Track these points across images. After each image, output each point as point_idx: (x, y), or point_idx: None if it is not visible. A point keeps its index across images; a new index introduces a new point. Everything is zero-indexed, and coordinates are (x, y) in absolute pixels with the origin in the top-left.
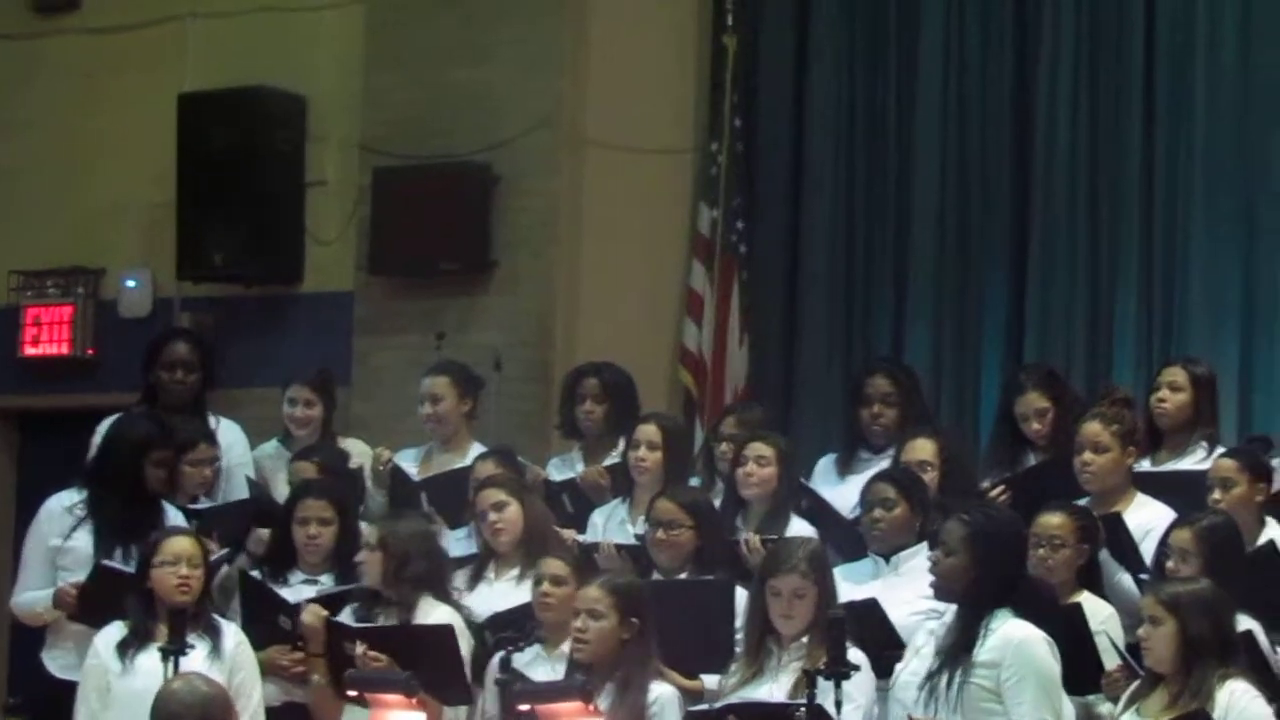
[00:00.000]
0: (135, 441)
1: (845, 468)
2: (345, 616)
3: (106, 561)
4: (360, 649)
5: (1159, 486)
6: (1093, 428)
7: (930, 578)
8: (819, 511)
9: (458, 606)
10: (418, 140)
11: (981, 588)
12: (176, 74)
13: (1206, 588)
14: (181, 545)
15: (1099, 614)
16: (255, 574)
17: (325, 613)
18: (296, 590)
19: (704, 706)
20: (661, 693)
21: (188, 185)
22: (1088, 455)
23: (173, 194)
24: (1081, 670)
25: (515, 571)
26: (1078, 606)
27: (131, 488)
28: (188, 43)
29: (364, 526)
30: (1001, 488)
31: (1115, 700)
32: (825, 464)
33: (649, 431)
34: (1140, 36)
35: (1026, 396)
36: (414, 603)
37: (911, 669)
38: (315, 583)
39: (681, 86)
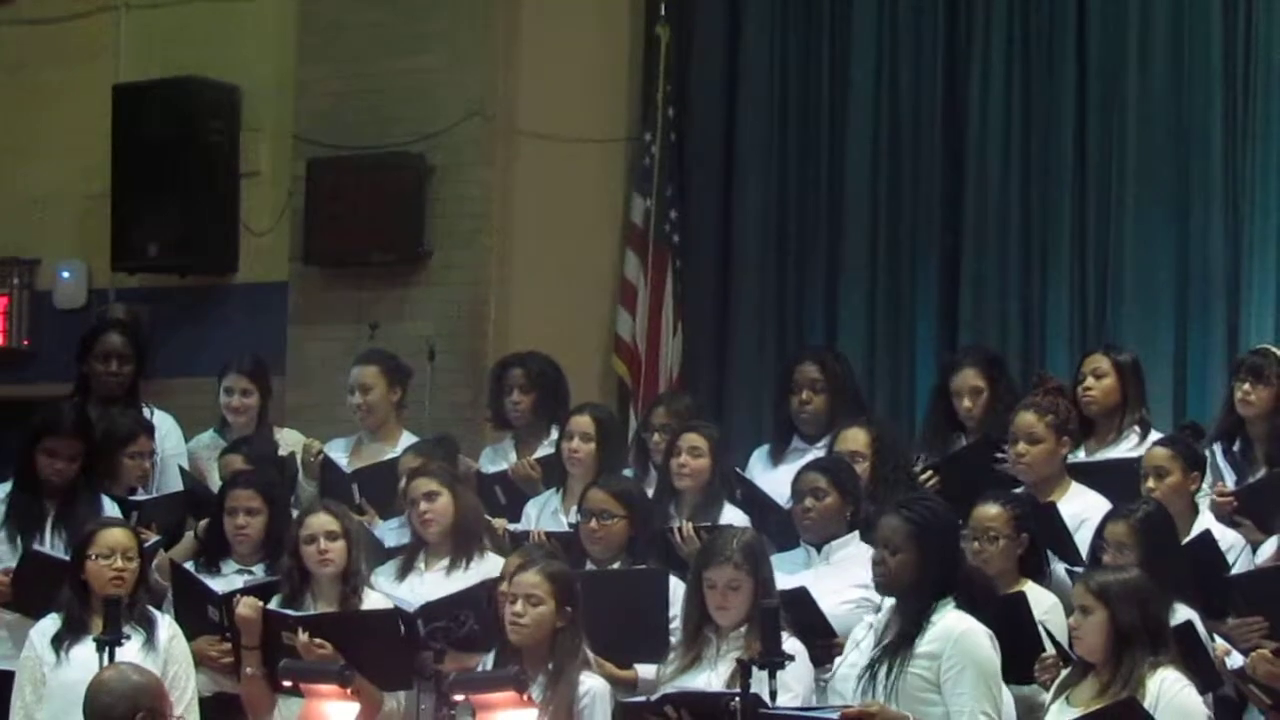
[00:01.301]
0: (30, 430)
1: (778, 457)
2: (272, 606)
3: (37, 548)
4: (304, 637)
5: (1093, 475)
6: (1027, 418)
7: (861, 566)
8: (753, 500)
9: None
10: (351, 131)
11: (925, 580)
12: (110, 65)
13: (1136, 577)
14: (116, 537)
15: (1042, 604)
16: (187, 565)
17: (261, 604)
18: (229, 580)
19: (641, 698)
20: (592, 685)
21: (122, 176)
22: (1022, 446)
23: (107, 185)
24: (1025, 660)
25: (445, 562)
26: (1022, 596)
27: (20, 475)
28: (121, 34)
29: (321, 516)
30: (930, 472)
31: (1048, 687)
32: (760, 454)
33: (582, 422)
34: (1072, 25)
35: (963, 373)
36: (361, 589)
37: (850, 661)
38: (249, 573)
39: (614, 76)
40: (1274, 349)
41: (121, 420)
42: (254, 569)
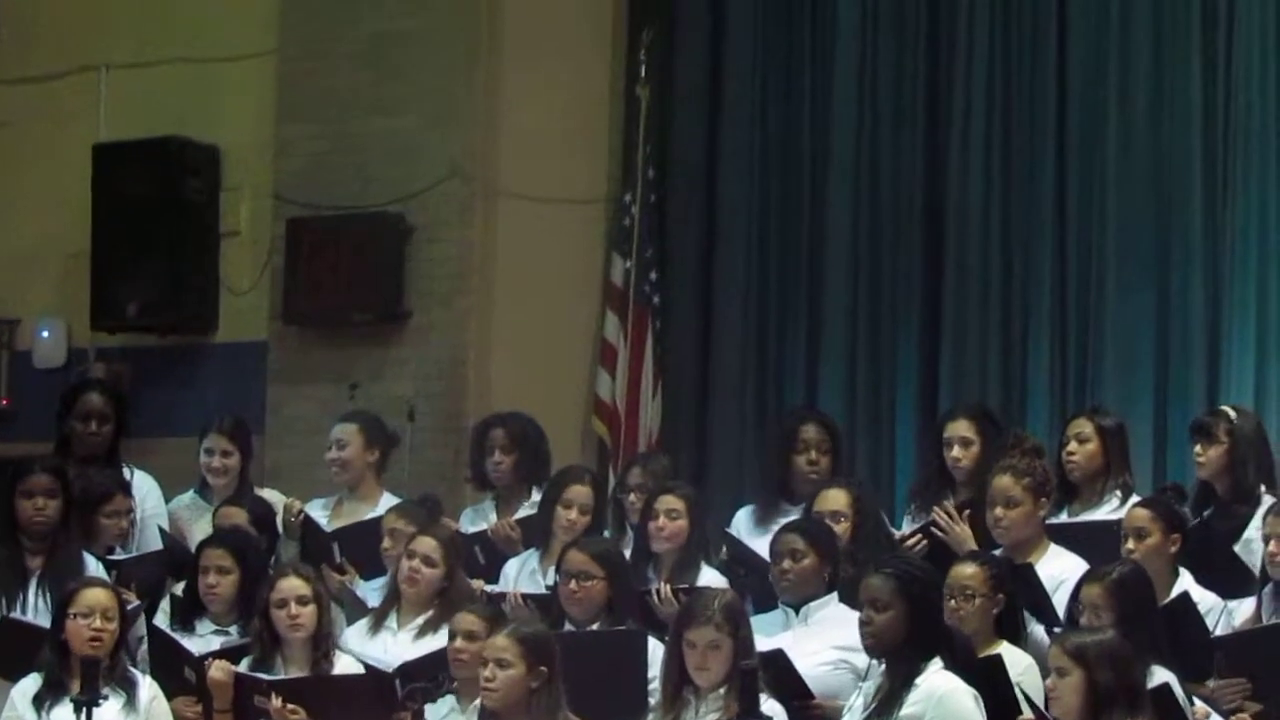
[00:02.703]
0: (5, 480)
1: (766, 518)
2: (243, 668)
3: (13, 615)
4: (277, 702)
5: (1072, 537)
6: (1003, 482)
7: (839, 627)
8: (741, 561)
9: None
10: (331, 190)
11: (913, 639)
12: (91, 124)
13: (1112, 638)
14: (96, 597)
15: (1018, 664)
16: (163, 625)
17: (233, 667)
18: (206, 640)
19: None
20: None
21: (102, 235)
22: (999, 510)
23: (87, 244)
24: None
25: (419, 622)
26: (998, 658)
27: (2, 528)
28: (102, 93)
29: (293, 580)
30: (919, 536)
31: None
32: (744, 515)
33: (582, 493)
34: (1053, 93)
35: (956, 423)
36: (332, 652)
37: None
38: (225, 633)
39: (594, 137)
40: (1228, 409)
41: (98, 479)
42: (230, 629)
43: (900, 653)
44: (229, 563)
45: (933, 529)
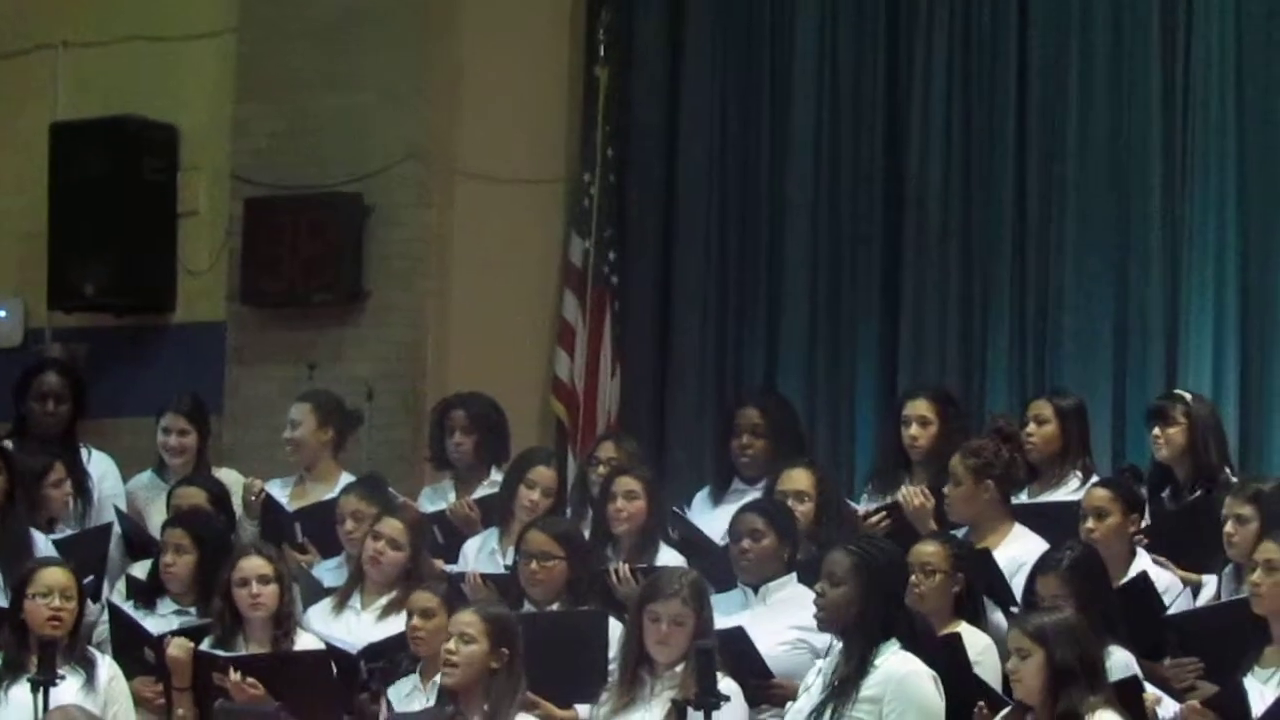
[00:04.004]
0: None
1: (718, 498)
2: (205, 647)
3: None
4: (235, 677)
5: (1033, 517)
6: (953, 460)
7: (798, 607)
8: (691, 541)
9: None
10: (289, 170)
11: (868, 618)
12: (48, 104)
13: (1071, 617)
14: (55, 577)
15: (977, 645)
16: (125, 605)
17: (192, 645)
18: (167, 620)
19: None
20: None
21: (59, 215)
22: (947, 488)
23: (44, 224)
24: (964, 702)
25: (382, 602)
26: (957, 637)
27: None
28: (59, 72)
29: (254, 559)
30: (883, 514)
31: None
32: (702, 496)
33: (546, 476)
34: (1013, 72)
35: (916, 402)
36: (293, 631)
37: (798, 707)
38: (186, 613)
39: (553, 117)
40: (1184, 392)
41: (34, 453)
42: (191, 609)
43: (855, 632)
44: (186, 543)
45: (897, 507)
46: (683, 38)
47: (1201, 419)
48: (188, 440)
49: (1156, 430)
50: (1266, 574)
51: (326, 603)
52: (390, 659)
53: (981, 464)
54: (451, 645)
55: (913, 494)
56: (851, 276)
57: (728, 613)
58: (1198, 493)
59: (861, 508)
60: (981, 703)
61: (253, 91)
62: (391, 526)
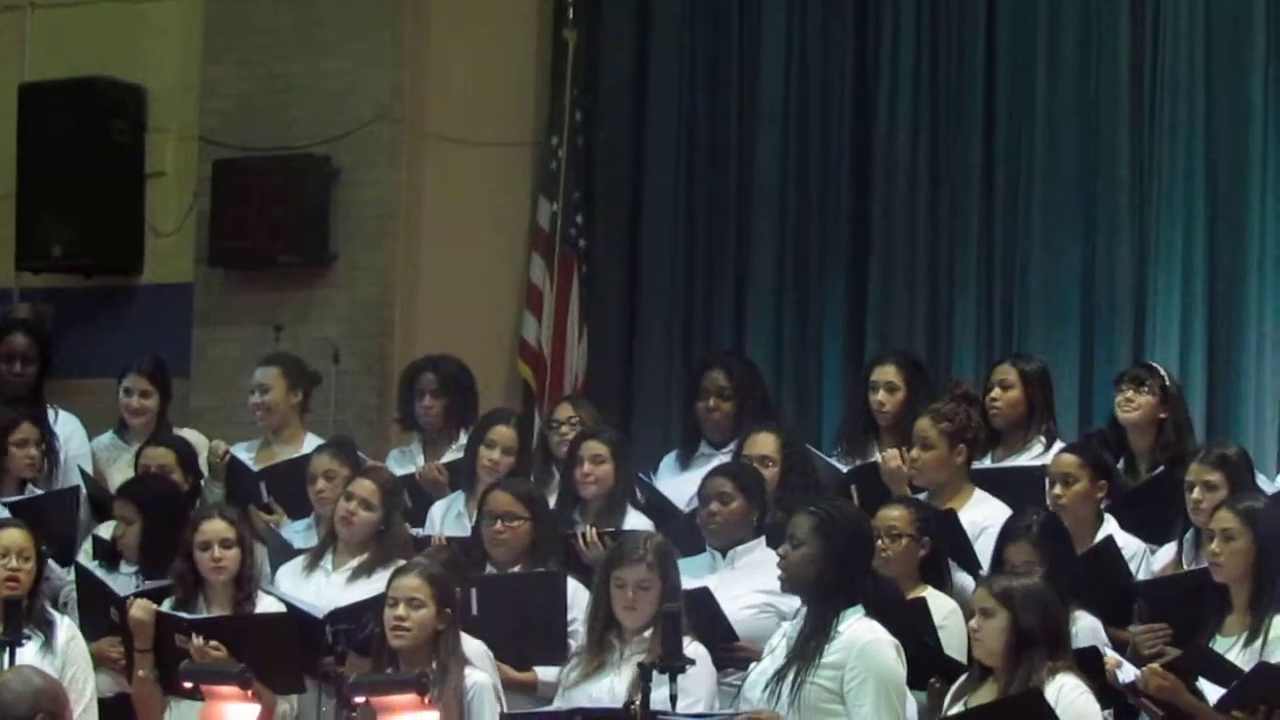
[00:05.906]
0: None
1: (686, 462)
2: (166, 608)
3: None
4: (198, 640)
5: (996, 482)
6: (922, 424)
7: (765, 571)
8: (657, 506)
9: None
10: (257, 132)
11: (830, 581)
12: (15, 65)
13: (1038, 581)
14: (11, 537)
15: (942, 609)
16: (91, 565)
17: (154, 606)
18: (129, 580)
19: (551, 708)
20: (476, 679)
21: (26, 176)
22: (915, 452)
23: (12, 185)
24: (927, 665)
25: (354, 564)
26: (923, 601)
27: None
28: (27, 33)
29: (216, 522)
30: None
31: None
32: (669, 460)
33: (506, 435)
34: (981, 39)
35: (884, 367)
36: (255, 594)
37: (761, 668)
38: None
39: (521, 80)
40: (1159, 367)
41: (2, 413)
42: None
43: (816, 594)
44: (130, 512)
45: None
46: (651, 1)
47: (1174, 396)
48: (149, 402)
49: (1131, 393)
50: (1224, 542)
51: (298, 562)
52: (356, 621)
53: (955, 428)
54: (401, 610)
55: (892, 455)
56: (820, 242)
57: (696, 576)
58: (1159, 469)
59: (844, 466)
60: (934, 678)
61: (221, 53)
62: (364, 487)
